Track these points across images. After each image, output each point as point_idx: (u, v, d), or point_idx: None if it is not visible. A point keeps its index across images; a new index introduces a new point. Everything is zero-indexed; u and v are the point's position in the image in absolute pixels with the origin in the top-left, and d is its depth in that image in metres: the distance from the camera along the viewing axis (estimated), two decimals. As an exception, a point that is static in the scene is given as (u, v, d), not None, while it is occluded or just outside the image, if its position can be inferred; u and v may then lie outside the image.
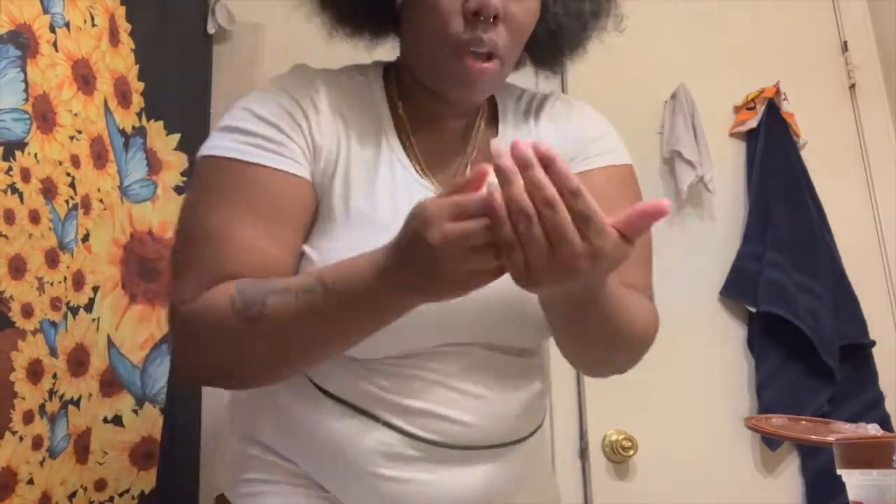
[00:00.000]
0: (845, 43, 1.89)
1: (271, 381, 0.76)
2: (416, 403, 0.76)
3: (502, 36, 0.75)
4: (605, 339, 0.75)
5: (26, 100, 1.10)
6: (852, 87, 1.86)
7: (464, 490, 0.78)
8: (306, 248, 0.76)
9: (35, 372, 1.07)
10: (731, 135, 1.82)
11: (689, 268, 1.72)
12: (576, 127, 0.90)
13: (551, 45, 0.87)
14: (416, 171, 0.82)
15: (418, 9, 0.77)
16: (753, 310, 1.63)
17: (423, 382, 0.77)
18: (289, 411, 0.81)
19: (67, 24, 1.20)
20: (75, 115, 1.21)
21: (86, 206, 1.24)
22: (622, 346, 0.79)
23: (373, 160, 0.80)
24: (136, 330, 1.40)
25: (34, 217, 1.10)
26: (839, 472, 0.63)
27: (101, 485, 1.33)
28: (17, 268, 1.06)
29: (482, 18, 0.72)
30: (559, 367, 0.91)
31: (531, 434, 0.86)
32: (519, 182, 0.52)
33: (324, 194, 0.78)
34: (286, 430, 0.82)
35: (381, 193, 0.78)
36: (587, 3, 0.86)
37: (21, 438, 1.03)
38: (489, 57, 0.75)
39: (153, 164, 1.48)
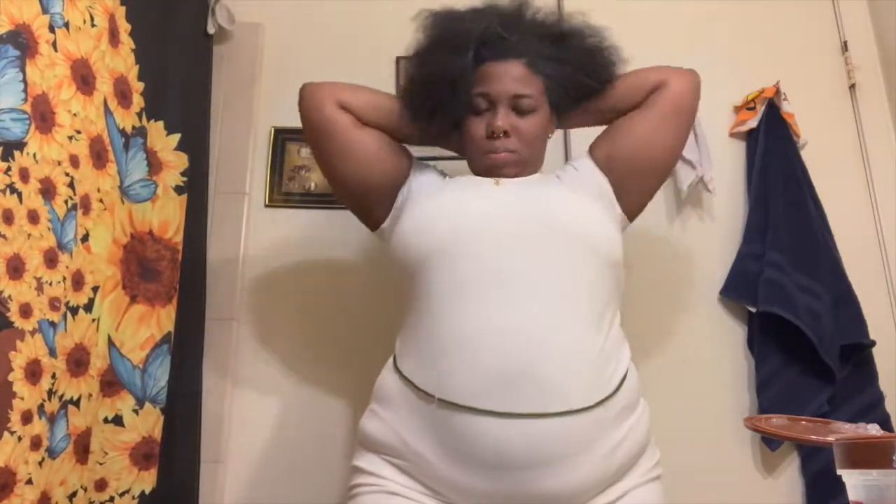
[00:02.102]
0: (845, 43, 1.89)
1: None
2: (446, 374, 1.01)
3: (512, 142, 1.19)
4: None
5: (25, 100, 1.09)
6: (852, 87, 1.86)
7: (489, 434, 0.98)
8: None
9: (34, 372, 1.07)
10: (731, 135, 1.81)
11: (689, 268, 1.72)
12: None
13: (579, 96, 1.27)
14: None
15: (466, 136, 1.24)
16: (753, 310, 1.63)
17: (450, 346, 1.03)
18: (388, 393, 1.10)
19: (67, 25, 1.20)
20: (74, 115, 1.21)
21: (85, 206, 1.23)
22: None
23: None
24: (137, 330, 1.40)
25: (33, 217, 1.10)
26: (839, 472, 0.63)
27: (101, 485, 1.33)
28: (16, 268, 1.06)
29: (495, 135, 1.19)
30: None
31: (578, 411, 0.98)
32: None
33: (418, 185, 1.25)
34: (391, 408, 1.08)
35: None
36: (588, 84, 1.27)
37: (20, 438, 1.03)
38: (504, 152, 1.20)
39: (153, 165, 1.48)
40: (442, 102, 1.22)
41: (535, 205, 1.11)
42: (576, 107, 1.27)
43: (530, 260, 1.05)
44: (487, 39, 1.21)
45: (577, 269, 1.06)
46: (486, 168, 1.22)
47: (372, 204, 1.26)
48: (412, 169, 1.27)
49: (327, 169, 1.29)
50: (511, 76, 1.21)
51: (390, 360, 1.14)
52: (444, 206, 1.14)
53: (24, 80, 1.10)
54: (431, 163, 1.33)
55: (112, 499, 1.33)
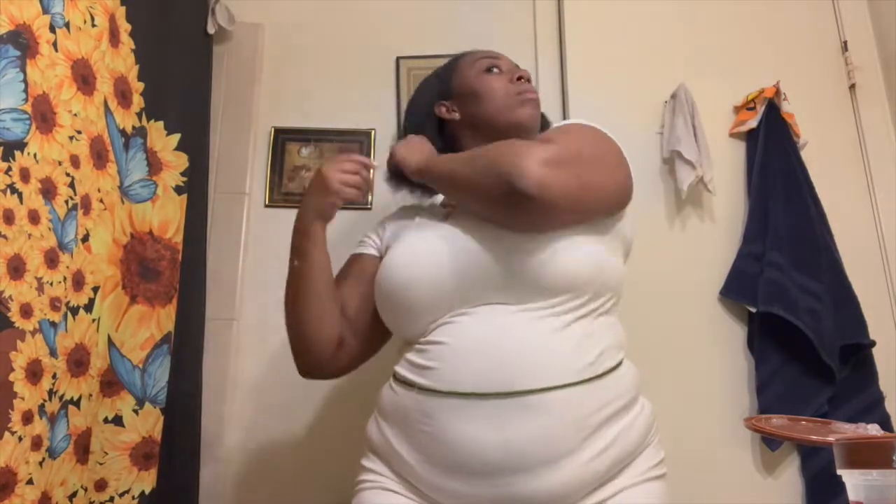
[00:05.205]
0: (845, 43, 1.89)
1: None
2: (433, 364, 1.03)
3: (533, 87, 1.24)
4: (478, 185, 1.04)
5: (26, 100, 1.09)
6: (852, 87, 1.86)
7: (480, 433, 0.97)
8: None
9: (34, 372, 1.07)
10: (731, 135, 1.82)
11: (689, 268, 1.71)
12: None
13: None
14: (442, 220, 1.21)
15: (484, 95, 1.23)
16: (753, 310, 1.63)
17: (436, 348, 1.04)
18: (384, 405, 1.11)
19: (67, 25, 1.20)
20: (75, 115, 1.21)
21: (85, 206, 1.23)
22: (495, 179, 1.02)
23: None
24: (137, 330, 1.40)
25: (33, 217, 1.10)
26: (839, 472, 0.63)
27: (101, 485, 1.33)
28: (17, 268, 1.06)
29: (521, 80, 1.23)
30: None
31: (556, 388, 0.97)
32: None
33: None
34: (386, 419, 1.09)
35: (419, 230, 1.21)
36: None
37: (20, 439, 1.03)
38: (535, 93, 1.24)
39: (153, 165, 1.48)
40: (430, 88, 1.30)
41: (487, 251, 1.05)
42: None
43: (493, 297, 1.04)
44: None
45: (539, 300, 1.03)
46: (518, 106, 1.21)
47: None
48: (375, 259, 1.24)
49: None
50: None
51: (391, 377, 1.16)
52: (395, 270, 1.11)
53: (25, 81, 1.10)
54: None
55: (112, 499, 1.33)
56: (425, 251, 1.10)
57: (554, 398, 0.97)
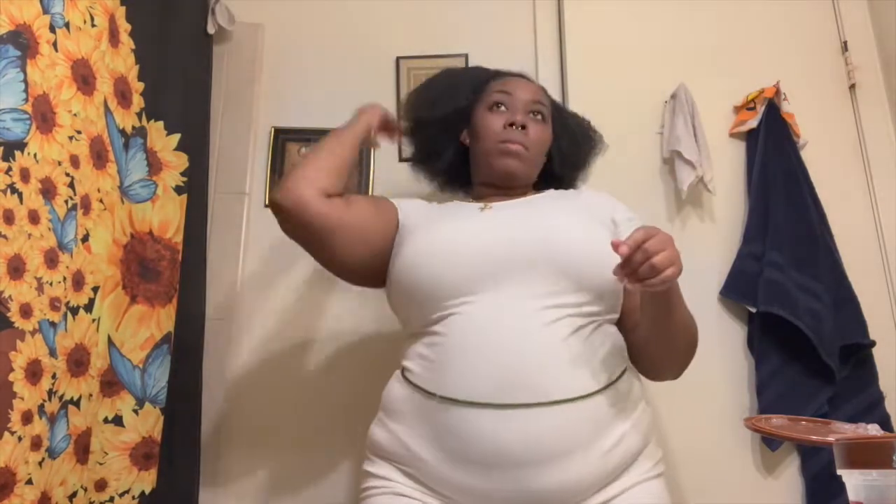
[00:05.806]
0: (845, 43, 1.89)
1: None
2: (444, 366, 1.05)
3: (527, 138, 1.26)
4: (677, 337, 1.14)
5: (26, 100, 1.10)
6: (852, 87, 1.86)
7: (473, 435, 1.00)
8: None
9: (34, 372, 1.07)
10: (731, 135, 1.81)
11: (689, 268, 1.68)
12: (611, 202, 1.28)
13: (559, 163, 1.38)
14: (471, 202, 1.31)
15: (480, 133, 1.29)
16: (753, 310, 1.63)
17: (448, 341, 1.06)
18: (392, 403, 1.12)
19: (67, 25, 1.20)
20: (75, 115, 1.21)
21: (85, 206, 1.23)
22: (687, 346, 1.16)
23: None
24: (137, 330, 1.40)
25: (33, 217, 1.10)
26: (839, 472, 0.63)
27: (101, 485, 1.33)
28: (17, 268, 1.06)
29: (513, 126, 1.26)
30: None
31: (579, 398, 1.01)
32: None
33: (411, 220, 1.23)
34: (395, 417, 1.10)
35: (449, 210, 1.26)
36: (578, 147, 1.42)
37: (20, 439, 1.03)
38: (519, 144, 1.26)
39: (153, 165, 1.48)
40: (461, 95, 1.34)
41: (523, 231, 1.12)
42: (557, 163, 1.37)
43: (518, 283, 1.07)
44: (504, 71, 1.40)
45: (562, 293, 1.07)
46: (497, 155, 1.26)
47: (380, 267, 1.21)
48: (398, 211, 1.25)
49: (335, 265, 1.21)
50: (531, 87, 1.34)
51: (398, 371, 1.15)
52: (435, 242, 1.13)
53: (25, 81, 1.10)
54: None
55: (112, 499, 1.33)
56: (466, 229, 1.15)
57: (575, 405, 1.00)
